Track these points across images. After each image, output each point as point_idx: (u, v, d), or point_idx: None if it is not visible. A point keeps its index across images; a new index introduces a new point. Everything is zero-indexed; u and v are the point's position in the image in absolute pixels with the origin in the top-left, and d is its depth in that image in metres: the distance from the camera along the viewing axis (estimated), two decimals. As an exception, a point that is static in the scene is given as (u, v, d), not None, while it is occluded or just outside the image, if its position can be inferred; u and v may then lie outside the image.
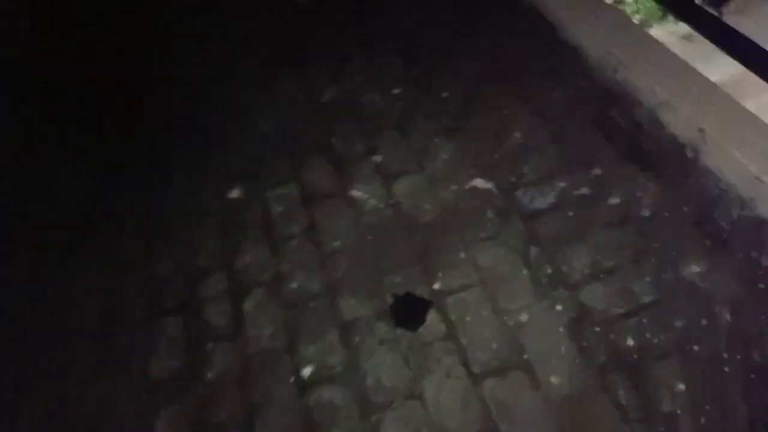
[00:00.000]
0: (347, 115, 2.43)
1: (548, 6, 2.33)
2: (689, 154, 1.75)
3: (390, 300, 1.76)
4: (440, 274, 1.79)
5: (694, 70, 1.83)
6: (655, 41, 2.05)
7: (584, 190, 1.91)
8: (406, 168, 2.15)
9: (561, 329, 1.60)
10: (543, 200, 1.92)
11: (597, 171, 1.96)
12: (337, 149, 2.28)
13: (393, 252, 1.88)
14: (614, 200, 1.86)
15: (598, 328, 1.59)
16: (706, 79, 1.80)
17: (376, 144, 2.26)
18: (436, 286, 1.76)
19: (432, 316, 1.69)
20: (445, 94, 2.39)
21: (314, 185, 2.16)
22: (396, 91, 2.48)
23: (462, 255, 1.83)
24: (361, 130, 2.33)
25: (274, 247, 2.01)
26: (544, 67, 2.32)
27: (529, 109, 2.22)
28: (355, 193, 2.10)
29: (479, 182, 2.04)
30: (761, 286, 1.57)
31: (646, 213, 1.81)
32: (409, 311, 1.71)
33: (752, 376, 1.43)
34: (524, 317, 1.65)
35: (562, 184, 1.95)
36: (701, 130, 1.67)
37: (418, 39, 2.68)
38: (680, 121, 1.74)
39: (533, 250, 1.79)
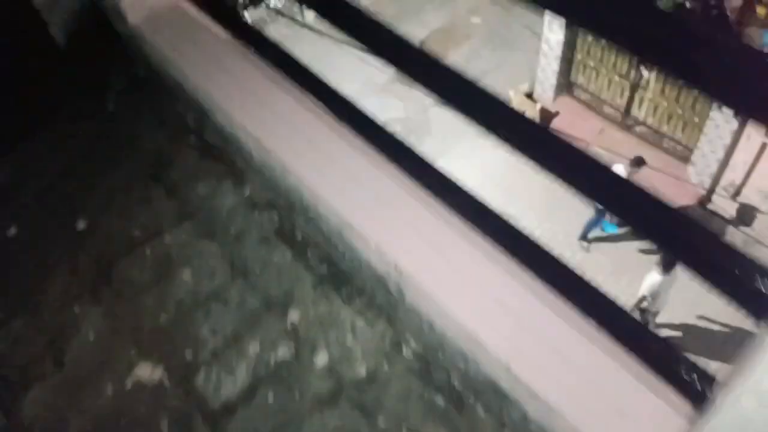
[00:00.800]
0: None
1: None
2: (393, 288, 1.33)
3: None
4: None
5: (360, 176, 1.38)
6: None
7: (284, 352, 1.41)
8: (35, 369, 1.45)
9: None
10: (233, 383, 1.38)
11: (295, 314, 1.47)
12: None
13: None
14: (322, 359, 1.40)
15: None
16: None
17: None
18: None
19: None
20: (81, 225, 1.69)
21: None
22: (11, 232, 1.70)
23: None
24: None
25: None
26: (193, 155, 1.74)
27: (189, 223, 1.63)
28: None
29: (144, 370, 1.42)
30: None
31: (361, 372, 1.37)
32: None
33: None
34: None
35: (255, 348, 1.42)
36: (396, 267, 1.24)
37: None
38: (373, 251, 1.30)
39: (228, 480, 1.25)
